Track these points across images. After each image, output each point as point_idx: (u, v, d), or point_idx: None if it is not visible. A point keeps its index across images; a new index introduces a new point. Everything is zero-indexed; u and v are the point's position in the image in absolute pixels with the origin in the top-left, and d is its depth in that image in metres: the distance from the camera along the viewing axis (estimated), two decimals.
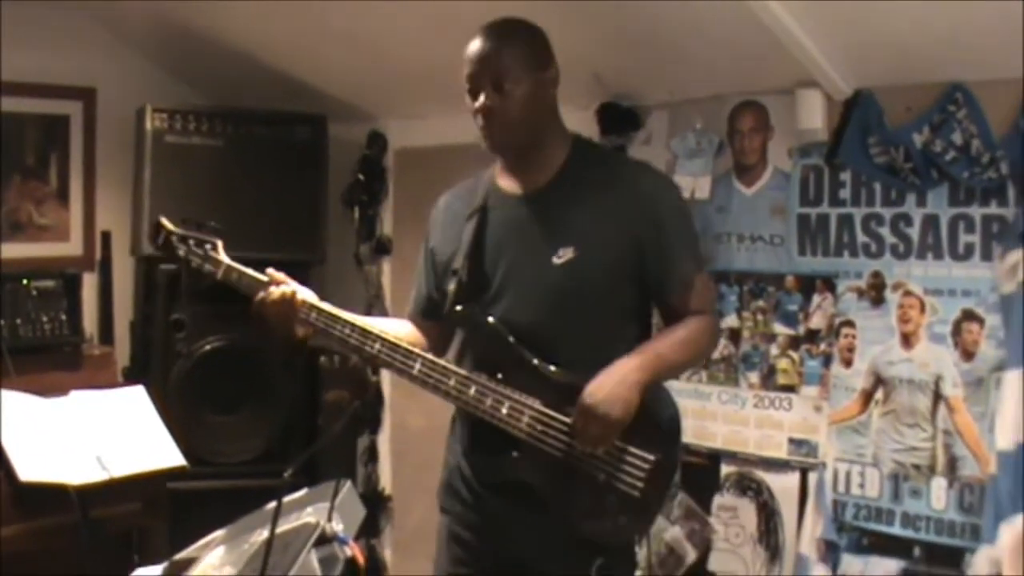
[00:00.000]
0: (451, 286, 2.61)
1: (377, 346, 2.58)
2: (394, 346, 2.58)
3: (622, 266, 2.58)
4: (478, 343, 2.59)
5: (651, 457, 2.52)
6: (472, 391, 2.53)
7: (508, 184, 2.67)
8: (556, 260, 2.55)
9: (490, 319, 2.58)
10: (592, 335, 2.57)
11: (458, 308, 2.60)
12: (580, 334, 2.56)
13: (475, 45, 2.58)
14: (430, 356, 2.56)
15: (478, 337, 2.60)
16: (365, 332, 2.60)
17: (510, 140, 2.59)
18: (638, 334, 2.66)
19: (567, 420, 2.50)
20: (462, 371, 2.55)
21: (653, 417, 2.53)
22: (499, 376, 2.54)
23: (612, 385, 2.45)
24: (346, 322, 2.62)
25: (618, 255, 2.57)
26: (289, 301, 2.64)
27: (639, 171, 2.74)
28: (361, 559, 2.15)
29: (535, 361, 2.55)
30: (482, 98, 2.54)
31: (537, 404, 2.52)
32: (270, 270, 2.70)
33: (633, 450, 2.52)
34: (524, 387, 2.53)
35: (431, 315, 2.77)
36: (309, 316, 2.64)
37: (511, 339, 2.55)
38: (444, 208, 2.79)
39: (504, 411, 2.52)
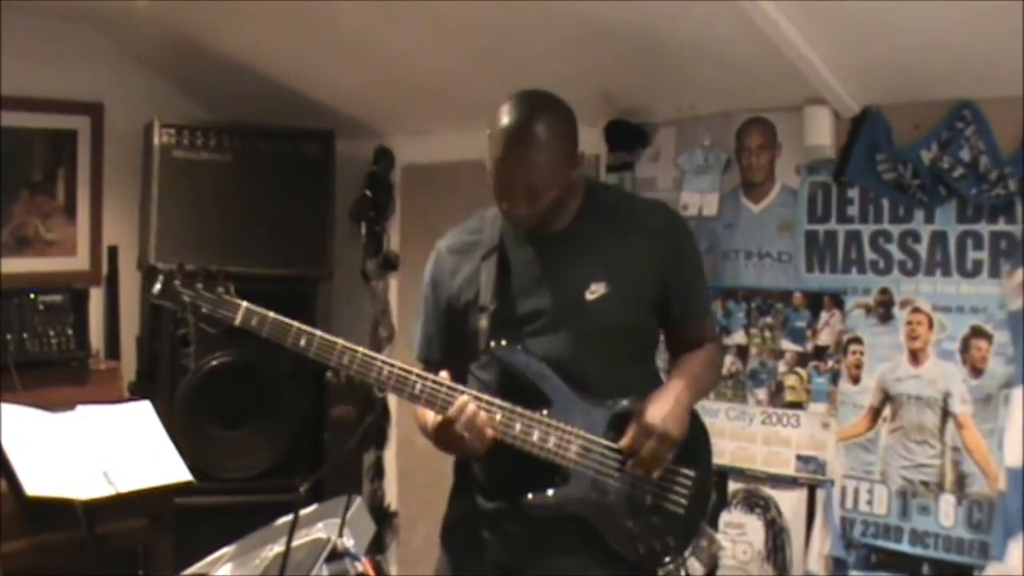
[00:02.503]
0: (483, 323, 2.57)
1: (419, 387, 2.53)
2: (436, 386, 2.53)
3: (648, 299, 2.64)
4: (522, 378, 2.57)
5: (692, 473, 2.60)
6: (518, 426, 2.52)
7: None
8: (589, 296, 2.57)
9: (535, 354, 2.57)
10: (620, 366, 2.62)
11: (503, 343, 2.57)
12: (610, 366, 2.60)
13: (506, 148, 2.46)
14: (474, 393, 2.52)
15: (523, 372, 2.57)
16: (405, 372, 2.54)
17: (539, 227, 2.58)
18: (654, 360, 2.76)
19: (615, 446, 2.54)
20: (507, 405, 2.52)
21: (688, 435, 2.59)
22: (544, 411, 2.54)
23: (670, 407, 2.52)
24: (383, 363, 2.54)
25: (645, 289, 2.62)
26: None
27: (658, 210, 2.79)
28: (373, 574, 2.14)
29: (578, 393, 2.56)
30: (519, 206, 2.48)
31: (583, 433, 2.53)
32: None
33: (674, 468, 2.58)
34: (568, 419, 2.54)
35: (446, 361, 2.69)
36: (343, 359, 2.53)
37: (555, 373, 2.56)
38: (447, 252, 2.74)
39: (551, 443, 2.52)
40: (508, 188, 2.49)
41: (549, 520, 2.56)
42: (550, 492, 2.54)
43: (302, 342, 2.55)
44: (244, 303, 2.59)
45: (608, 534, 2.56)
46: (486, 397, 2.52)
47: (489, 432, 2.49)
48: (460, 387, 2.53)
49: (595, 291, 2.57)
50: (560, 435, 2.52)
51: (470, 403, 2.47)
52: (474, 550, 2.68)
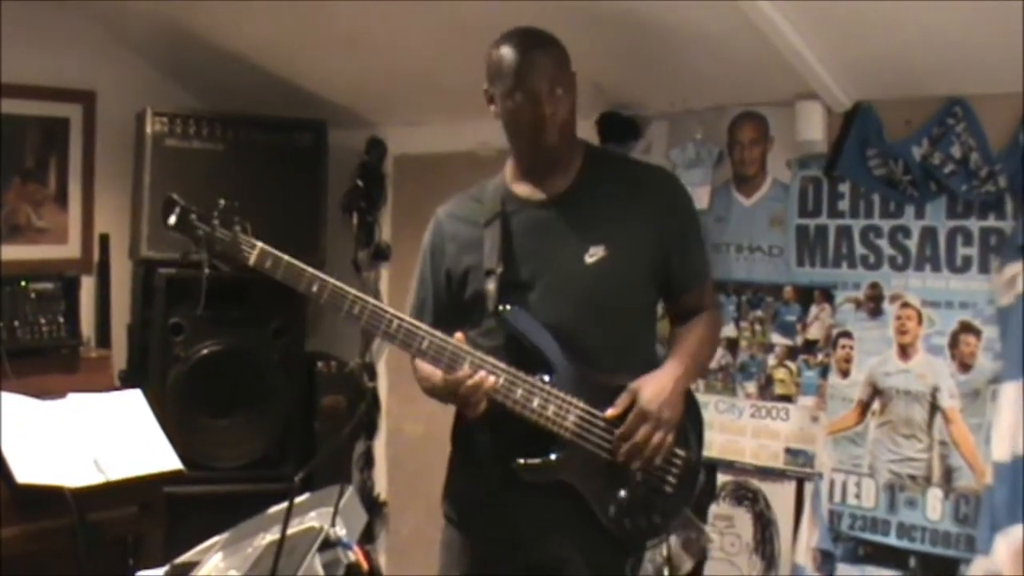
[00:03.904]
0: (490, 286, 2.60)
1: (426, 342, 2.55)
2: (443, 344, 2.54)
3: (648, 264, 2.67)
4: (527, 344, 2.59)
5: (682, 453, 2.64)
6: (519, 392, 2.54)
7: (525, 190, 2.70)
8: (588, 259, 2.61)
9: (539, 321, 2.59)
10: (619, 332, 2.65)
11: (507, 307, 2.59)
12: (609, 331, 2.63)
13: (520, 55, 2.57)
14: (479, 354, 2.54)
15: (528, 338, 2.59)
16: (413, 327, 2.56)
17: (562, 145, 2.62)
18: (653, 330, 2.78)
19: (606, 416, 2.57)
20: (510, 370, 2.54)
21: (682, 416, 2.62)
22: (545, 377, 2.56)
23: (667, 393, 2.55)
24: (393, 316, 2.56)
25: (644, 254, 2.66)
26: None
27: (656, 173, 2.86)
28: (365, 563, 2.15)
29: (579, 363, 2.58)
30: (545, 106, 2.55)
31: (581, 404, 2.56)
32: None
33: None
34: (569, 388, 2.56)
35: (436, 327, 2.71)
36: (353, 309, 2.55)
37: (557, 341, 2.58)
38: (448, 220, 2.77)
39: (550, 411, 2.54)
40: (533, 89, 2.55)
41: (549, 492, 2.58)
42: (542, 459, 2.56)
43: (315, 288, 2.58)
44: (260, 243, 2.60)
45: (597, 507, 2.59)
46: (490, 360, 2.54)
47: (496, 388, 2.52)
48: (465, 348, 2.54)
49: (594, 254, 2.61)
50: (559, 404, 2.55)
51: (477, 372, 2.50)
52: (477, 525, 2.72)
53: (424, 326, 2.57)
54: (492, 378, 2.51)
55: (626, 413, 2.56)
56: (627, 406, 2.56)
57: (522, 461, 2.56)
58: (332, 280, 2.59)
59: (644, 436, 2.52)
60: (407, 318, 2.58)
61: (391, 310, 2.58)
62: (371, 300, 2.58)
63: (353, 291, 2.58)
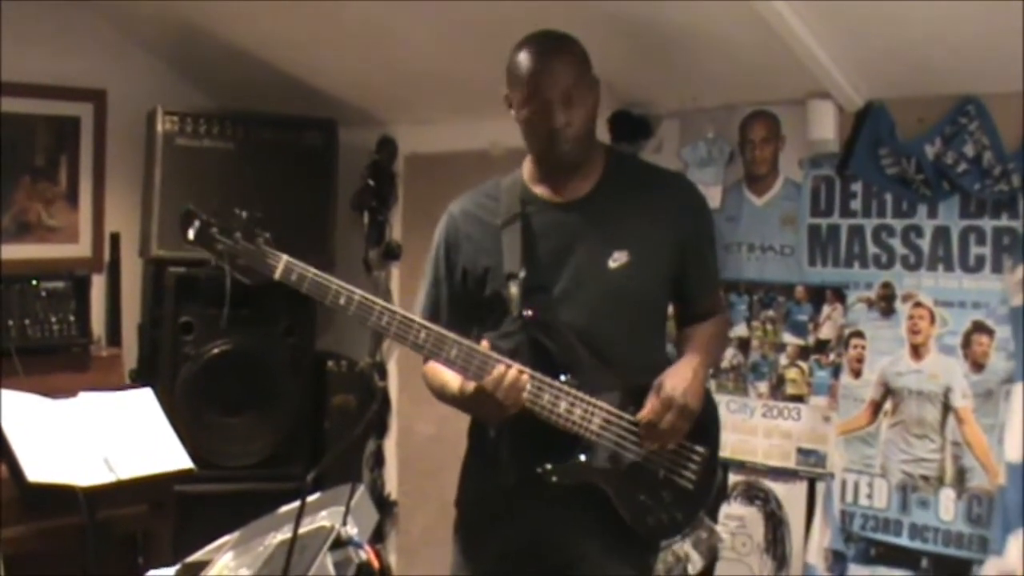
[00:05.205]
0: (513, 290, 2.58)
1: (454, 351, 2.52)
2: (471, 352, 2.52)
3: (667, 270, 2.68)
4: (551, 347, 2.58)
5: (701, 449, 2.64)
6: (547, 396, 2.53)
7: (545, 191, 2.68)
8: (611, 264, 2.60)
9: (563, 323, 2.58)
10: (635, 334, 2.65)
11: (529, 312, 2.58)
12: (626, 333, 2.63)
13: (535, 63, 2.55)
14: (507, 360, 2.51)
15: (553, 341, 2.58)
16: (441, 337, 2.53)
17: (580, 152, 2.61)
18: (664, 330, 2.79)
19: (635, 419, 2.56)
20: (537, 375, 2.53)
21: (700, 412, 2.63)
22: (563, 379, 2.55)
23: (689, 380, 2.56)
24: (421, 326, 2.54)
25: (665, 259, 2.66)
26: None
27: (677, 179, 2.88)
28: (376, 563, 2.15)
29: (600, 365, 2.58)
30: (558, 116, 2.53)
31: (606, 405, 2.56)
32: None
33: (686, 444, 2.62)
34: (591, 391, 2.56)
35: (450, 327, 2.69)
36: (381, 321, 2.52)
37: (580, 343, 2.57)
38: (463, 218, 2.73)
39: (577, 414, 2.54)
40: (546, 99, 2.53)
41: (567, 494, 2.57)
42: (571, 462, 2.56)
43: (341, 301, 2.53)
44: (285, 256, 2.54)
45: (621, 506, 2.59)
46: (517, 365, 2.51)
47: (524, 395, 2.49)
48: (494, 355, 2.51)
49: (617, 259, 2.61)
50: (585, 407, 2.54)
51: (511, 368, 2.47)
52: (493, 528, 2.70)
53: (452, 334, 2.53)
54: (525, 375, 2.49)
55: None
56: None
57: (549, 466, 2.55)
58: (359, 292, 2.54)
59: (669, 423, 2.53)
60: (435, 327, 2.55)
61: (419, 320, 2.55)
62: (399, 311, 2.54)
63: (381, 302, 2.54)
